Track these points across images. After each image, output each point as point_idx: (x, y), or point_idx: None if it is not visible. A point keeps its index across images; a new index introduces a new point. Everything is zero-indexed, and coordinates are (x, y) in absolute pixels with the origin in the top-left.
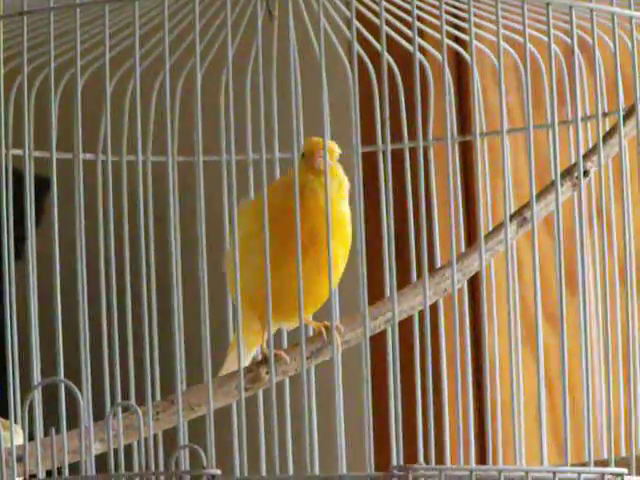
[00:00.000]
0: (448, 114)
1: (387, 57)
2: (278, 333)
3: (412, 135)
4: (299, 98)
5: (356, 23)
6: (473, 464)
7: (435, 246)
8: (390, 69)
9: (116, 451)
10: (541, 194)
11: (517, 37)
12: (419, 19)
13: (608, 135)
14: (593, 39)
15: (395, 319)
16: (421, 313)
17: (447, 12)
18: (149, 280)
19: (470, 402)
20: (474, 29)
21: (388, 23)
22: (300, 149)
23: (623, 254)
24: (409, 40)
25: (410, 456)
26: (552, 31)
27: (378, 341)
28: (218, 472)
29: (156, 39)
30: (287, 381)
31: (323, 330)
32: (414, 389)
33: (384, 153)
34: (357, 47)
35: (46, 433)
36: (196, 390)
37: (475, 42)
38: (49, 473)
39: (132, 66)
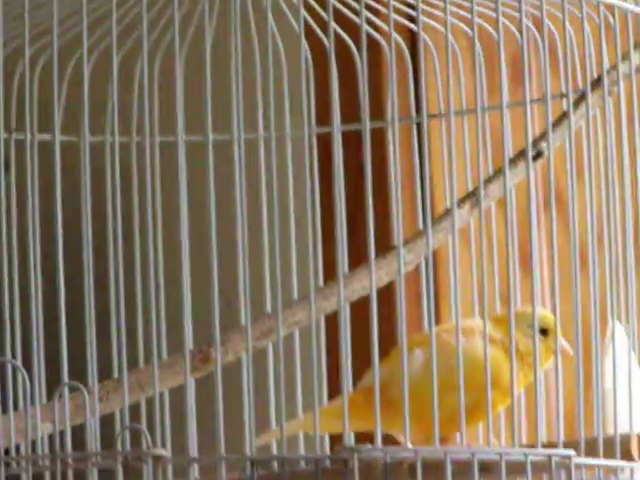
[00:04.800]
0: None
1: (341, 34)
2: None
3: (371, 115)
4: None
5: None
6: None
7: (390, 226)
8: (348, 50)
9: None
10: (496, 175)
11: (470, 16)
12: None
13: (563, 116)
14: (542, 22)
15: (341, 301)
16: (379, 292)
17: None
18: (116, 260)
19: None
20: (427, 8)
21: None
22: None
23: (576, 234)
24: (370, 23)
25: (363, 438)
26: (501, 9)
27: (332, 321)
28: (163, 452)
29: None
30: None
31: None
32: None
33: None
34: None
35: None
36: (146, 370)
37: (429, 21)
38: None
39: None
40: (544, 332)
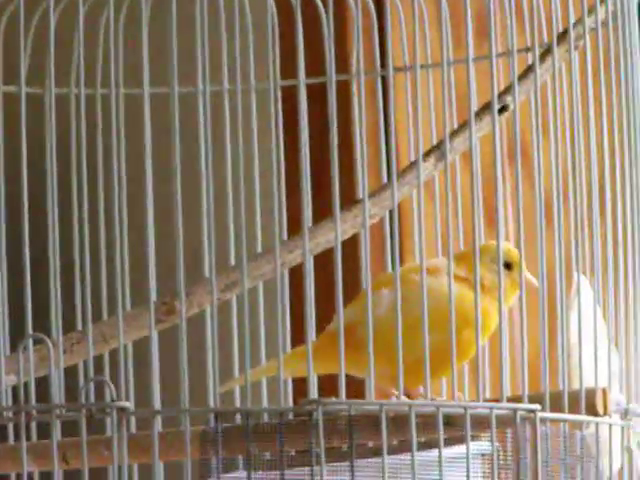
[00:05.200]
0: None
1: None
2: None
3: (337, 69)
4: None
5: None
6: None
7: (356, 179)
8: (313, 3)
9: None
10: (460, 129)
11: None
12: None
13: (528, 70)
14: None
15: (307, 253)
16: (344, 245)
17: None
18: (81, 213)
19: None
20: None
21: None
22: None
23: (542, 188)
24: None
25: (327, 390)
26: None
27: (297, 273)
28: (127, 404)
29: None
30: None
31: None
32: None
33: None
34: None
35: None
36: (110, 322)
37: None
38: None
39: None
40: (508, 266)
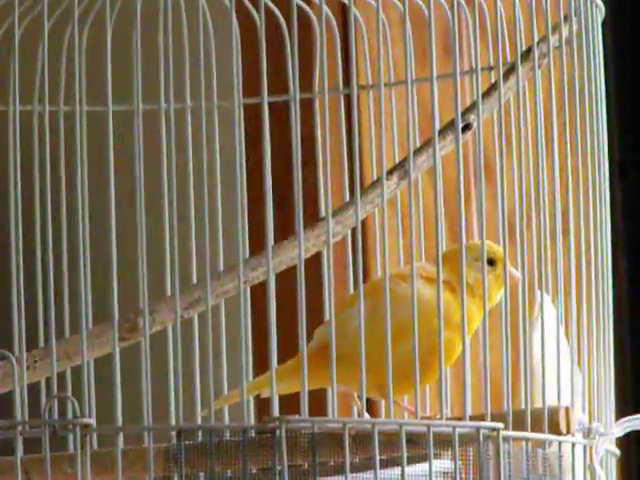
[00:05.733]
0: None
1: (270, 5)
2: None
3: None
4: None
5: None
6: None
7: (319, 198)
8: (275, 20)
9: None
10: (423, 147)
11: None
12: None
13: (492, 89)
14: None
15: (270, 271)
16: (307, 262)
17: None
18: (44, 229)
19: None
20: None
21: None
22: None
23: (505, 207)
24: None
25: (293, 408)
26: None
27: (259, 291)
28: (91, 421)
29: None
30: (169, 329)
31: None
32: (295, 338)
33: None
34: None
35: None
36: (73, 339)
37: None
38: None
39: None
40: (491, 262)
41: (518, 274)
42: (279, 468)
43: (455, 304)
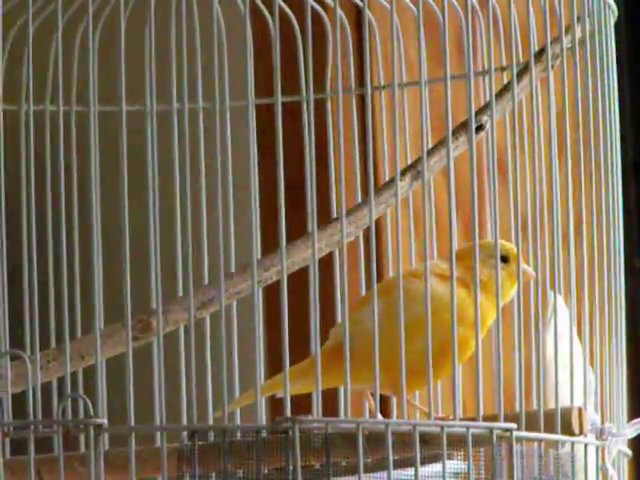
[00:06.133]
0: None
1: (284, 8)
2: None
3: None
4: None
5: None
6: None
7: (330, 198)
8: (288, 20)
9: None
10: (436, 148)
11: None
12: None
13: (504, 89)
14: None
15: (284, 270)
16: (319, 263)
17: None
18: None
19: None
20: None
21: None
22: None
23: (519, 208)
24: None
25: (306, 409)
26: None
27: (272, 292)
28: (104, 421)
29: None
30: (181, 330)
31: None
32: (307, 339)
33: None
34: None
35: None
36: (86, 339)
37: None
38: None
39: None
40: (504, 259)
41: (531, 271)
42: (292, 468)
43: (469, 301)
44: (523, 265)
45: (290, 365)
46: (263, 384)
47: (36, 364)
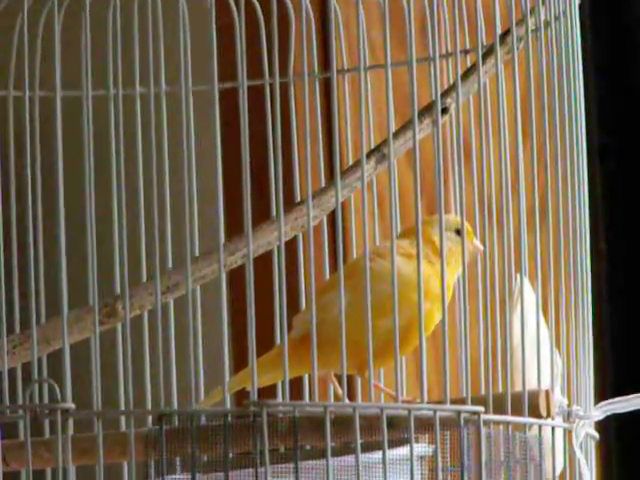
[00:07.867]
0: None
1: None
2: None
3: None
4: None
5: None
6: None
7: (294, 182)
8: (251, 4)
9: None
10: (400, 130)
11: None
12: None
13: (468, 72)
14: None
15: (250, 254)
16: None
17: None
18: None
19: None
20: None
21: None
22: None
23: (484, 191)
24: None
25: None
26: None
27: (236, 276)
28: (71, 406)
29: None
30: (145, 315)
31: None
32: (273, 324)
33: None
34: None
35: None
36: (52, 324)
37: None
38: None
39: None
40: (459, 233)
41: (480, 245)
42: (259, 452)
43: (430, 272)
44: (474, 240)
45: (257, 353)
46: (231, 380)
47: (3, 350)
